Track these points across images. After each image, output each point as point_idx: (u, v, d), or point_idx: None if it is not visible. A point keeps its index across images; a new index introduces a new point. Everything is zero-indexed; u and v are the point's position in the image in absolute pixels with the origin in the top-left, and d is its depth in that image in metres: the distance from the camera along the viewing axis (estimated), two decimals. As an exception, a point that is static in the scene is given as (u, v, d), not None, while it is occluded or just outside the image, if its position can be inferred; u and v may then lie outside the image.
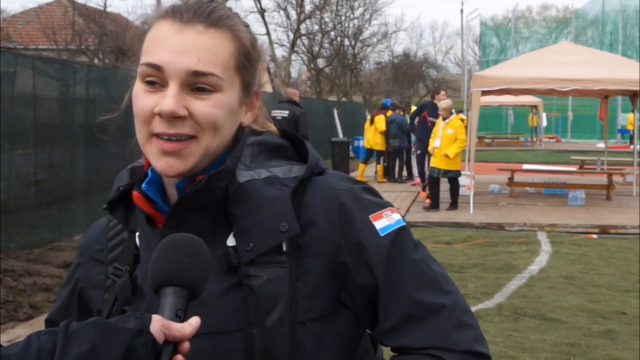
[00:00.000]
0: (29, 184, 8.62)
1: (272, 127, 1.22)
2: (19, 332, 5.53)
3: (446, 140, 11.21)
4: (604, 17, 36.58)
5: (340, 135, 22.04)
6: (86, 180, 9.70)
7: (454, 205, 11.63)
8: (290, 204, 1.10)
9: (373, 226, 1.11)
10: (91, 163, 9.82)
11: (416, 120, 13.73)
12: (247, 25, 1.13)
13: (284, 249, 1.09)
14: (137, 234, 1.17)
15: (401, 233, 1.13)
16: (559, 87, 11.91)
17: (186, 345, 0.94)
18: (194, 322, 0.95)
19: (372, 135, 16.33)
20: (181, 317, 0.94)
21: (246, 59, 1.11)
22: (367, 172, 16.72)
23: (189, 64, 1.05)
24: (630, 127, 27.25)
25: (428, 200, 11.97)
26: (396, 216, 1.15)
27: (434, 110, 12.48)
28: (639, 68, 11.56)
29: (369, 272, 1.10)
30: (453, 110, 11.54)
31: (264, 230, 1.08)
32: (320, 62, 34.53)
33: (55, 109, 9.32)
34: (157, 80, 1.06)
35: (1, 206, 7.71)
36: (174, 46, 1.05)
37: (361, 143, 19.70)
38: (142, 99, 1.07)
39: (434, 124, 12.23)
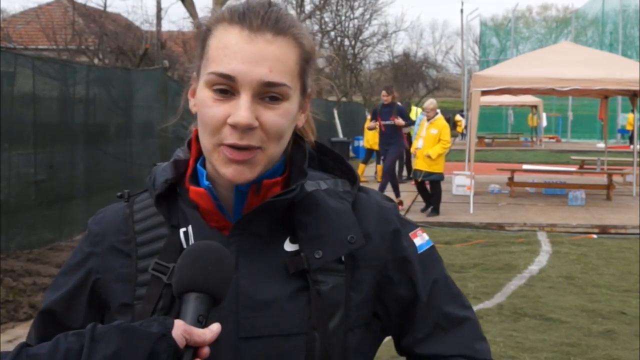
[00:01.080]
0: (29, 184, 8.62)
1: (312, 125, 1.25)
2: (19, 332, 5.53)
3: (429, 140, 10.81)
4: (604, 17, 36.58)
5: (340, 135, 22.04)
6: (86, 180, 9.70)
7: (435, 210, 11.11)
8: (354, 216, 1.16)
9: (414, 243, 1.21)
10: (91, 163, 9.82)
11: (375, 124, 12.55)
12: (306, 28, 1.14)
13: (342, 258, 1.14)
14: (182, 230, 1.14)
15: (434, 250, 1.24)
16: (558, 87, 11.91)
17: (206, 351, 0.96)
18: (215, 328, 0.97)
19: (372, 135, 16.32)
20: (202, 322, 0.97)
21: (307, 63, 1.13)
22: (366, 172, 16.72)
23: (261, 74, 1.05)
24: (629, 127, 27.28)
25: (401, 206, 11.58)
26: (426, 235, 1.25)
27: (385, 113, 12.01)
28: (639, 68, 11.56)
29: (410, 285, 1.19)
30: (438, 110, 11.16)
31: (334, 240, 1.12)
32: (321, 62, 34.53)
33: (55, 109, 9.32)
34: (228, 88, 1.06)
35: (1, 206, 7.71)
36: (246, 56, 1.05)
37: (361, 143, 19.70)
38: (213, 107, 1.07)
39: (387, 126, 11.93)
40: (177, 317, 0.97)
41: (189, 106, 1.17)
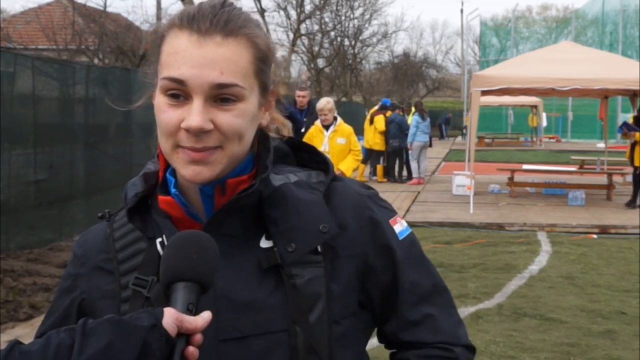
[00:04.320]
0: (29, 184, 8.63)
1: (282, 120, 1.25)
2: (19, 332, 5.53)
3: (337, 153, 8.15)
4: (604, 17, 36.58)
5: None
6: (86, 180, 9.70)
7: None
8: (325, 206, 1.15)
9: (394, 230, 1.21)
10: (91, 163, 9.82)
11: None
12: (259, 26, 1.14)
13: (319, 249, 1.13)
14: (159, 240, 1.15)
15: (413, 237, 1.25)
16: (558, 87, 11.91)
17: (198, 337, 0.97)
18: (206, 315, 0.97)
19: (372, 136, 16.34)
20: (192, 310, 0.97)
21: (263, 62, 1.12)
22: (365, 172, 16.75)
23: (212, 77, 1.05)
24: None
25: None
26: (404, 222, 1.26)
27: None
28: (639, 68, 11.56)
29: (392, 272, 1.19)
30: (336, 114, 8.55)
31: (306, 232, 1.12)
32: (320, 62, 34.53)
33: (55, 109, 9.33)
34: (180, 93, 1.07)
35: (1, 206, 7.72)
36: (195, 60, 1.06)
37: (361, 143, 19.70)
38: (167, 112, 1.08)
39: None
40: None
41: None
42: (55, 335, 0.95)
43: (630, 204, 11.94)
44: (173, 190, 1.14)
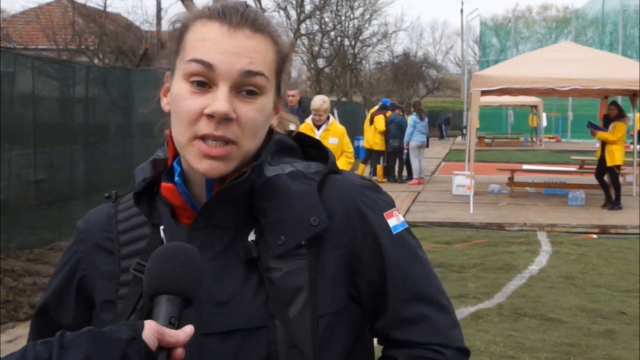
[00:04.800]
0: (29, 184, 8.63)
1: (292, 118, 1.26)
2: (19, 332, 5.53)
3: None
4: (604, 17, 36.56)
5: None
6: (86, 180, 9.70)
7: None
8: (318, 197, 1.13)
9: (387, 223, 1.17)
10: (91, 163, 9.82)
11: None
12: (283, 29, 1.16)
13: (303, 242, 1.11)
14: (162, 227, 1.14)
15: (409, 232, 1.20)
16: (558, 87, 11.91)
17: (179, 352, 0.95)
18: (188, 329, 0.96)
19: (372, 136, 16.34)
20: (175, 324, 0.96)
21: (283, 63, 1.14)
22: (365, 172, 16.75)
23: (241, 64, 1.06)
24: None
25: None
26: (401, 217, 1.21)
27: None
28: (639, 68, 11.56)
29: (382, 268, 1.15)
30: (330, 114, 8.22)
31: (296, 224, 1.11)
32: (320, 62, 34.53)
33: (55, 109, 9.33)
34: (205, 80, 1.06)
35: (1, 206, 7.72)
36: (225, 47, 1.06)
37: (361, 143, 19.70)
38: (189, 100, 1.07)
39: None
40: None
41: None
42: (31, 348, 0.92)
43: (614, 206, 11.85)
44: (177, 178, 1.14)
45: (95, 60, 19.23)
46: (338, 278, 1.13)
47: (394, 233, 1.17)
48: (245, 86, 1.07)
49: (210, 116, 1.05)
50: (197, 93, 1.07)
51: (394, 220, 1.18)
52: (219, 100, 1.05)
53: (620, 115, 11.92)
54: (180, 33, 1.12)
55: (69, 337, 0.93)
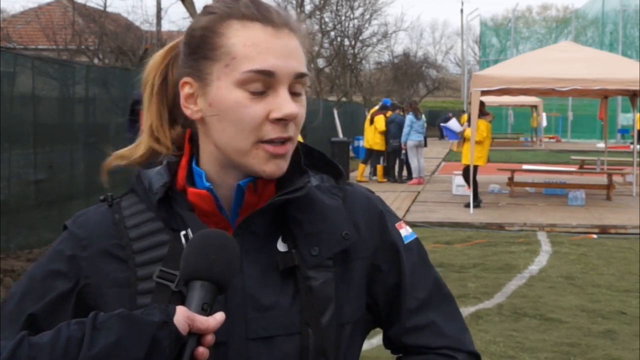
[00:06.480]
0: (29, 184, 8.63)
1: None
2: (19, 332, 5.53)
3: None
4: (604, 17, 36.59)
5: (340, 135, 22.02)
6: (86, 180, 9.69)
7: None
8: (346, 212, 1.17)
9: (400, 234, 1.22)
10: (91, 163, 9.81)
11: None
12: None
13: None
14: (183, 233, 1.10)
15: (419, 242, 1.25)
16: (558, 87, 11.91)
17: (209, 338, 0.96)
18: (219, 316, 0.97)
19: (372, 135, 16.34)
20: (207, 310, 0.97)
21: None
22: (366, 172, 16.75)
23: (295, 66, 1.08)
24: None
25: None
26: (409, 228, 1.27)
27: None
28: (639, 68, 11.56)
29: (397, 274, 1.20)
30: None
31: (330, 237, 1.13)
32: (320, 62, 34.52)
33: (55, 109, 9.33)
34: (265, 86, 1.07)
35: (1, 206, 7.71)
36: (279, 51, 1.07)
37: (361, 143, 19.70)
38: (251, 107, 1.06)
39: None
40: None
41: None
42: (65, 327, 0.95)
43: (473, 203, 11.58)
44: (207, 184, 1.12)
45: (95, 60, 19.23)
46: (362, 289, 1.18)
47: (406, 243, 1.22)
48: (294, 87, 1.09)
49: (278, 120, 1.06)
50: (256, 99, 1.07)
51: (404, 231, 1.23)
52: (287, 103, 1.06)
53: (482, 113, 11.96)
54: (208, 38, 1.09)
55: (102, 318, 0.95)
